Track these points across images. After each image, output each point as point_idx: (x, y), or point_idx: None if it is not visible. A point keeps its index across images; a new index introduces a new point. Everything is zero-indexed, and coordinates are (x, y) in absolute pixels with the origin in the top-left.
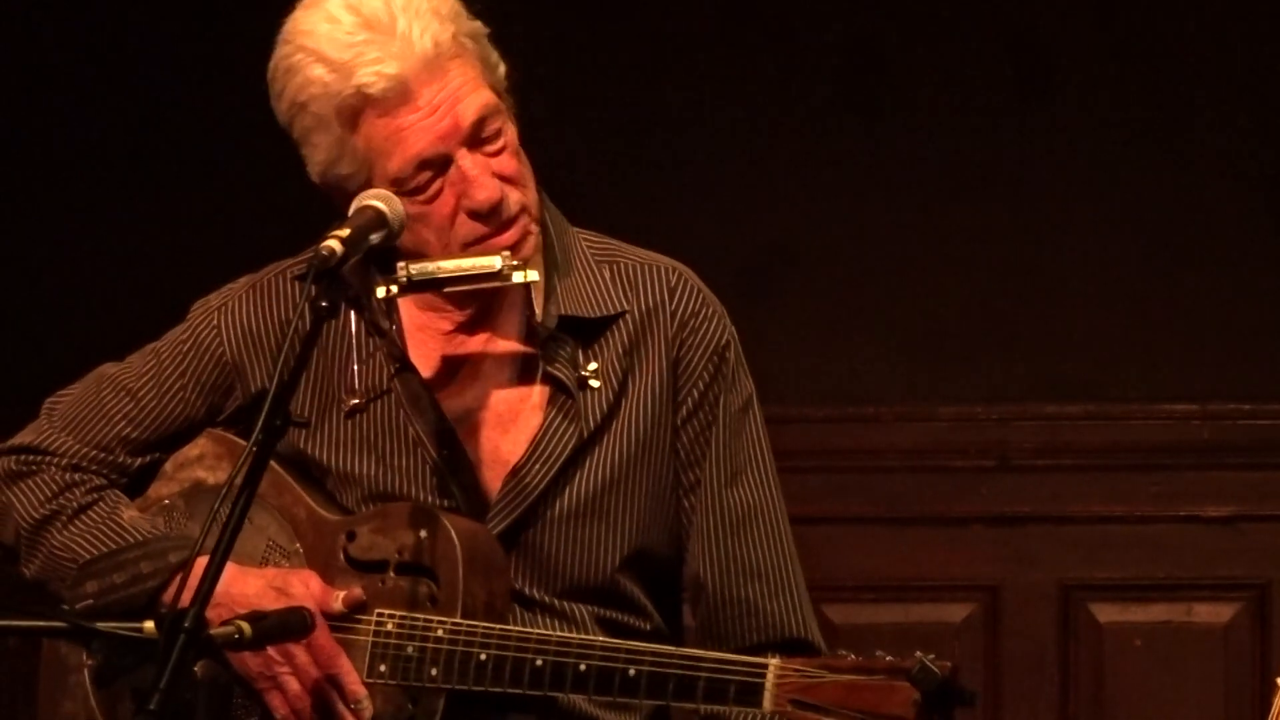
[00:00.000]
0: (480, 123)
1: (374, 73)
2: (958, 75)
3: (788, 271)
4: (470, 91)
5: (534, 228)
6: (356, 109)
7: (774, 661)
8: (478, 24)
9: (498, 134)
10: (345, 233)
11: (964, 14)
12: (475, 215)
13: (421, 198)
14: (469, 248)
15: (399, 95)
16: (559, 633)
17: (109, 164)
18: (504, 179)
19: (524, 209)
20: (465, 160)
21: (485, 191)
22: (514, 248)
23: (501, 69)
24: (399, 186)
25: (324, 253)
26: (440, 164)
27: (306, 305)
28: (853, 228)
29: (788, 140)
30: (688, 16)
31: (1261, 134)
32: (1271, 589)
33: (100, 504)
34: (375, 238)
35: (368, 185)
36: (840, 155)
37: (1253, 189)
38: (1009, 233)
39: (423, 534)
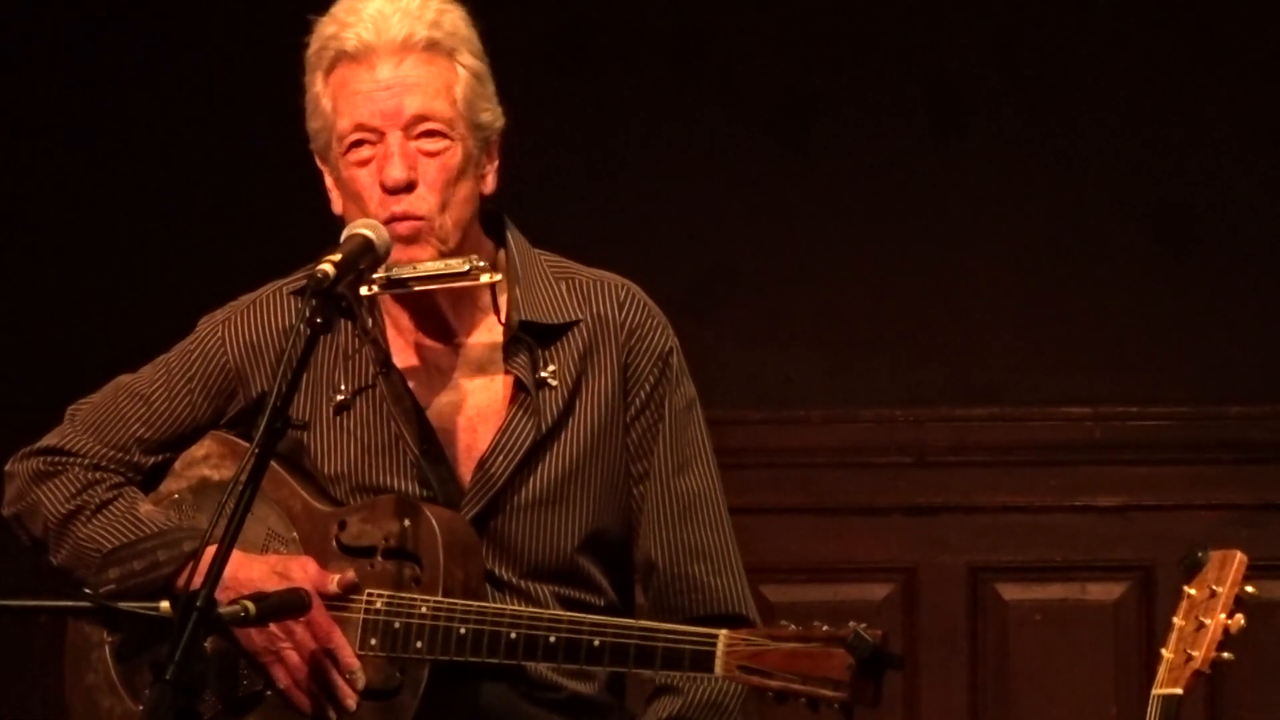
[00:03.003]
0: (419, 120)
1: (354, 34)
2: (878, 117)
3: (730, 290)
4: (424, 92)
5: (430, 239)
6: (333, 62)
7: (723, 632)
8: (480, 64)
9: (436, 140)
10: (337, 257)
11: (883, 63)
12: (383, 189)
13: (353, 159)
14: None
15: (363, 60)
16: (529, 609)
17: (131, 196)
18: (424, 182)
19: (426, 219)
20: (394, 141)
21: (396, 171)
22: (405, 240)
23: (486, 115)
24: (342, 145)
25: (318, 275)
26: (377, 136)
27: (304, 321)
28: (787, 252)
29: (729, 175)
30: (642, 66)
31: (1145, 168)
32: (1156, 570)
33: (119, 500)
34: (364, 263)
35: (328, 147)
36: (775, 188)
37: (1137, 216)
38: (924, 255)
39: (406, 523)
